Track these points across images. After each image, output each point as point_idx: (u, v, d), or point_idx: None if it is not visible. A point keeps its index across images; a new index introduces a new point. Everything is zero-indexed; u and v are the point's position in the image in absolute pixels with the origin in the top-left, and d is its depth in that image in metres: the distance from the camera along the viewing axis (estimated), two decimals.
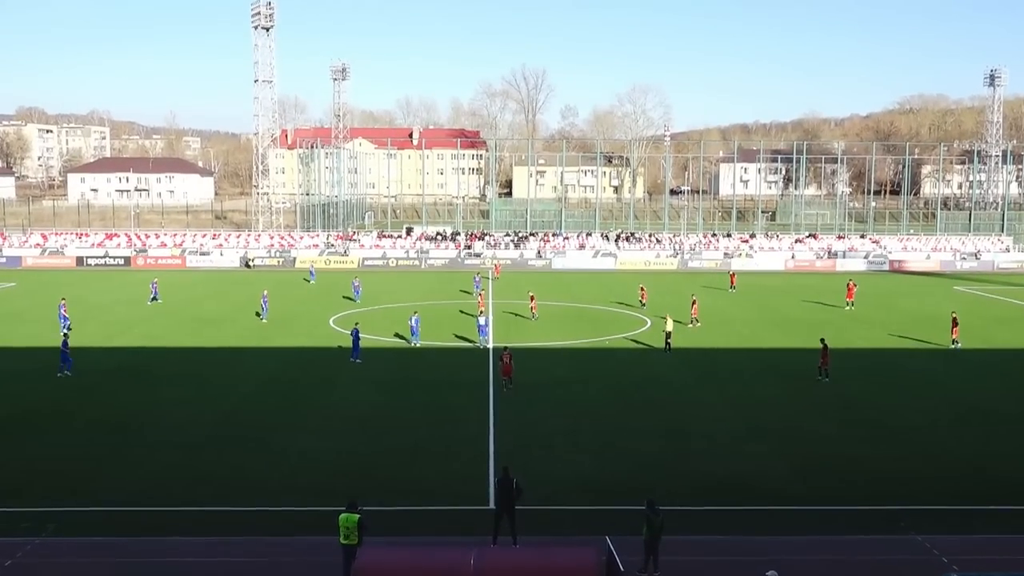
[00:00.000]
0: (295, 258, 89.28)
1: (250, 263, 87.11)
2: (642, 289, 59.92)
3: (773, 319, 56.04)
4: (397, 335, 48.13)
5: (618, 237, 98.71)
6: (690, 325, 50.65)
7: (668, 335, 44.08)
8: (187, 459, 27.05)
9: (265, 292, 55.74)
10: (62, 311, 49.42)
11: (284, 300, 61.60)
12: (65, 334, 39.37)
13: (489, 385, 36.47)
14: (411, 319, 45.72)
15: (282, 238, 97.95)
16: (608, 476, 25.96)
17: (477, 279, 64.97)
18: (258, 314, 54.47)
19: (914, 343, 47.29)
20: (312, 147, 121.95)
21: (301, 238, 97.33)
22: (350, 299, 62.05)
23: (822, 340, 37.53)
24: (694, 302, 51.41)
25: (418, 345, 45.06)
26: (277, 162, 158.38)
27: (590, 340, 47.49)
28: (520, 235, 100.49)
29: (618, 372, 39.86)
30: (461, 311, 57.23)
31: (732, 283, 71.56)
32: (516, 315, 55.66)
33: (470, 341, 46.39)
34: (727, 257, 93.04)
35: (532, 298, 55.64)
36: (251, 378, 37.95)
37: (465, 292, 65.86)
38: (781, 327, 52.82)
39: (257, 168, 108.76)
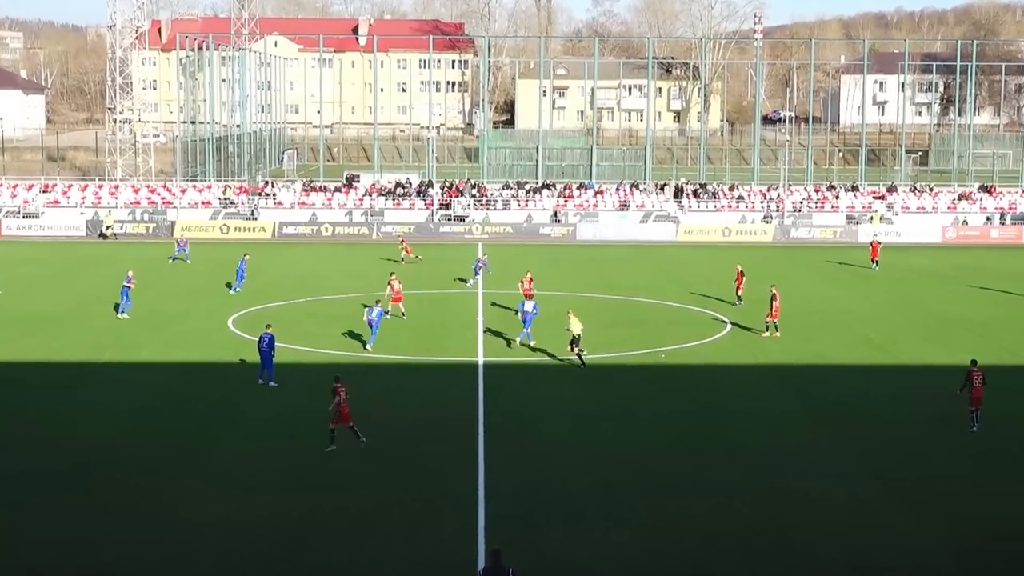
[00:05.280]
0: (173, 223, 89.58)
1: (107, 232, 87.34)
2: (740, 273, 59.37)
3: (921, 318, 56.35)
4: (351, 334, 48.77)
5: (681, 191, 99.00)
6: (765, 334, 50.75)
7: (574, 341, 44.36)
8: (13, 530, 27.35)
9: (130, 273, 56.20)
10: None
11: (156, 289, 61.84)
12: None
13: (478, 420, 36.77)
14: (371, 312, 47.39)
15: (153, 191, 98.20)
16: (662, 561, 26.24)
17: (482, 261, 64.71)
18: (117, 307, 55.03)
19: None
20: (200, 48, 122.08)
21: (183, 191, 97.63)
22: (228, 286, 62.62)
23: (973, 363, 37.56)
24: (774, 296, 51.08)
25: (370, 348, 46.85)
26: (145, 72, 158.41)
27: (635, 352, 47.83)
28: (527, 187, 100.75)
29: (678, 400, 40.21)
30: (436, 303, 57.52)
31: (874, 257, 72.83)
32: (509, 309, 56.14)
33: (454, 357, 46.67)
34: (852, 223, 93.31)
35: (529, 281, 55.55)
36: (112, 409, 38.17)
37: (462, 281, 65.96)
38: (933, 331, 53.04)
39: (114, 81, 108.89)
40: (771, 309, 50.56)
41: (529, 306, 48.52)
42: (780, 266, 73.27)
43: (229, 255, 75.52)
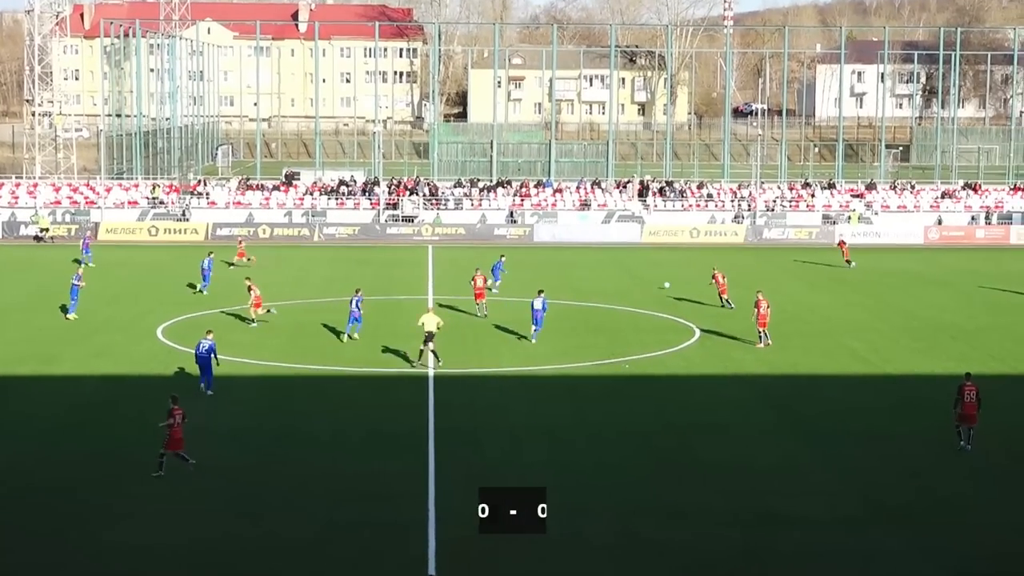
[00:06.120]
0: (97, 224, 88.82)
1: (43, 234, 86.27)
2: (716, 276, 59.71)
3: (905, 324, 56.54)
4: (295, 343, 48.93)
5: (646, 189, 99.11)
6: (760, 344, 50.59)
7: (428, 339, 45.36)
8: None
9: (80, 271, 57.40)
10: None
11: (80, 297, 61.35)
12: None
13: (429, 436, 36.62)
14: (352, 302, 50.79)
15: (75, 190, 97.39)
16: None
17: (501, 264, 64.89)
18: (64, 309, 55.43)
19: None
20: (127, 35, 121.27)
21: (108, 190, 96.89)
22: (192, 286, 63.24)
23: (966, 376, 37.51)
24: (758, 304, 50.99)
25: (357, 336, 50.17)
26: (67, 61, 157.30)
27: (597, 362, 47.74)
28: (481, 185, 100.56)
29: (645, 414, 40.07)
30: (398, 308, 57.29)
31: (845, 255, 75.08)
32: (460, 312, 56.50)
33: (403, 369, 46.51)
34: (828, 223, 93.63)
35: (482, 279, 57.13)
36: (28, 427, 37.84)
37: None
38: (919, 339, 53.22)
39: (32, 71, 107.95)
40: (758, 314, 50.32)
41: (538, 303, 50.58)
42: (752, 269, 73.40)
43: (157, 259, 75.21)
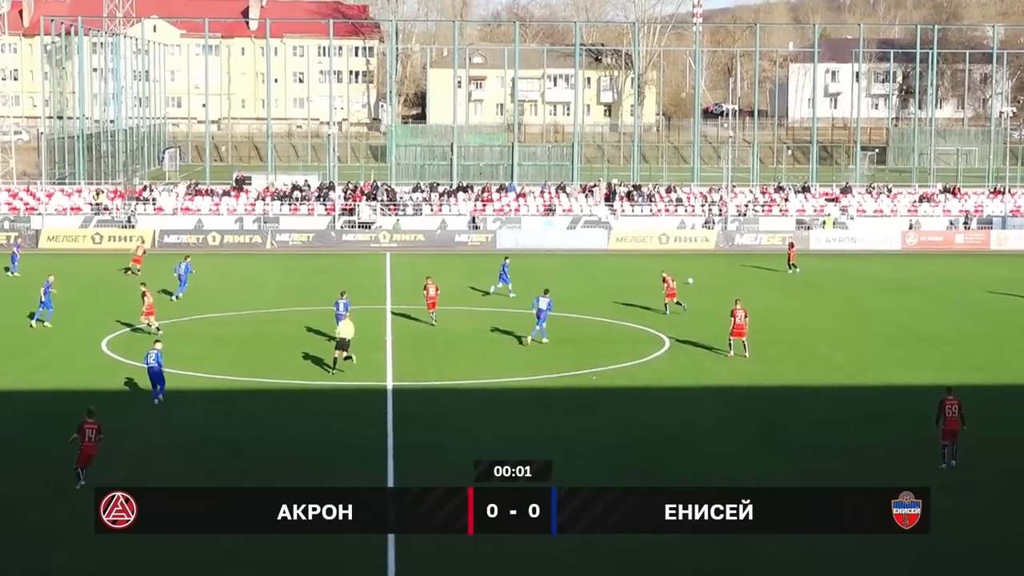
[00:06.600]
0: (38, 232, 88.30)
1: None
2: (666, 280, 60.02)
3: (883, 333, 56.73)
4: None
5: (612, 193, 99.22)
6: (731, 353, 50.64)
7: (341, 344, 46.28)
8: None
9: (51, 279, 58.00)
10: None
11: (15, 307, 60.92)
12: None
13: (388, 453, 36.55)
14: (338, 307, 51.87)
15: (14, 196, 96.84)
16: None
17: (506, 265, 66.01)
18: (31, 316, 56.26)
19: None
20: (68, 33, 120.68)
21: (50, 196, 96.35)
22: (168, 292, 63.46)
23: (947, 391, 37.50)
24: (734, 313, 50.96)
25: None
26: (5, 60, 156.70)
27: (564, 373, 47.69)
28: (441, 190, 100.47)
29: (620, 427, 40.09)
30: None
31: (791, 260, 75.88)
32: (419, 322, 56.56)
33: (360, 381, 46.35)
34: (802, 228, 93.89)
35: (433, 288, 56.94)
36: None
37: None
38: (897, 348, 53.36)
39: None
40: (731, 326, 50.20)
41: (543, 303, 52.38)
42: (724, 276, 73.65)
43: (102, 268, 74.64)
